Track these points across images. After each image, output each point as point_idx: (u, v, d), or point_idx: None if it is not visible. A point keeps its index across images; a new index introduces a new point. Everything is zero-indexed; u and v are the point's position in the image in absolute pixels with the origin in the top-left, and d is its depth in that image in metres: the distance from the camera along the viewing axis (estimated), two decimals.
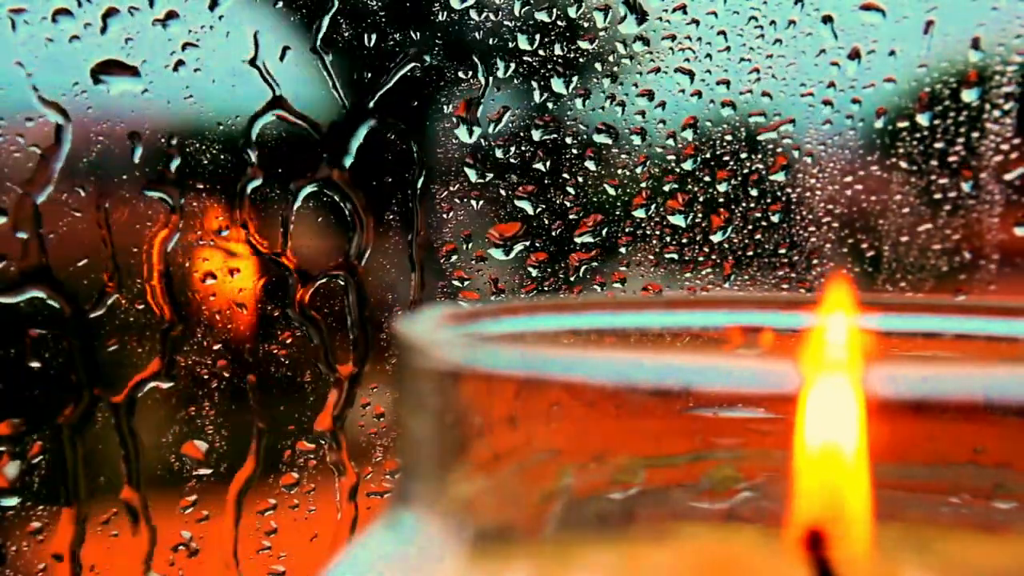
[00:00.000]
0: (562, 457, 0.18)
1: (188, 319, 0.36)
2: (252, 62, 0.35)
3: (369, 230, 0.37)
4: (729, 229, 0.37)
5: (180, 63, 0.34)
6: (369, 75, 0.36)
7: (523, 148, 0.37)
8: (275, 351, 0.37)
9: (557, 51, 0.37)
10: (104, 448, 0.36)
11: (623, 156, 0.37)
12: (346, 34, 0.36)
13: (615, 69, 0.37)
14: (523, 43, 0.37)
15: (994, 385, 0.15)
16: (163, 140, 0.35)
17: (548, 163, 0.37)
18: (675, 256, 0.38)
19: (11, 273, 0.34)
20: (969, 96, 0.36)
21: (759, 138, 0.37)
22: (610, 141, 0.37)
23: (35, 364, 0.34)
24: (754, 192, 0.37)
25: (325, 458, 0.38)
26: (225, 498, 0.37)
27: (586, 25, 0.37)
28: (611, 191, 0.37)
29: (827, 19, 0.36)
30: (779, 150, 0.37)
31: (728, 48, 0.37)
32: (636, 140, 0.37)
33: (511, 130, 0.37)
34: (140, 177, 0.35)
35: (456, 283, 0.38)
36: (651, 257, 0.38)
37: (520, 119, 0.37)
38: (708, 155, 0.37)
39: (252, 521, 0.37)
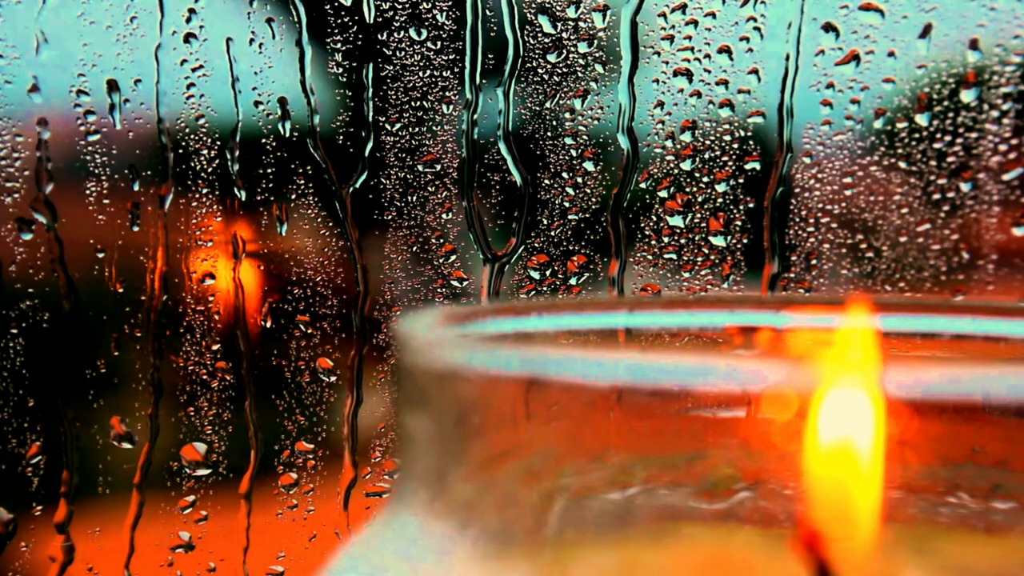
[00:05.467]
0: (562, 457, 0.18)
1: (187, 319, 0.36)
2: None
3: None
4: (727, 230, 0.37)
5: (184, 60, 0.34)
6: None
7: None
8: (275, 352, 0.37)
9: (553, 55, 0.37)
10: (103, 448, 0.36)
11: (621, 157, 0.37)
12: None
13: (613, 73, 0.37)
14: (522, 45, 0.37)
15: (993, 385, 0.15)
16: (163, 142, 0.35)
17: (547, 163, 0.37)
18: (674, 256, 0.38)
19: (11, 272, 0.34)
20: (967, 96, 0.36)
21: (758, 138, 0.37)
22: (608, 143, 0.37)
23: (35, 364, 0.34)
24: (752, 192, 0.37)
25: (324, 458, 0.38)
26: (224, 499, 0.37)
27: (585, 26, 0.37)
28: (610, 191, 0.37)
29: (826, 20, 0.36)
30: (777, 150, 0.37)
31: (727, 48, 0.37)
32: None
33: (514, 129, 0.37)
34: (141, 178, 0.35)
35: (455, 283, 0.38)
36: (650, 257, 0.38)
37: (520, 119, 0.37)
38: (707, 155, 0.37)
39: (251, 521, 0.37)
